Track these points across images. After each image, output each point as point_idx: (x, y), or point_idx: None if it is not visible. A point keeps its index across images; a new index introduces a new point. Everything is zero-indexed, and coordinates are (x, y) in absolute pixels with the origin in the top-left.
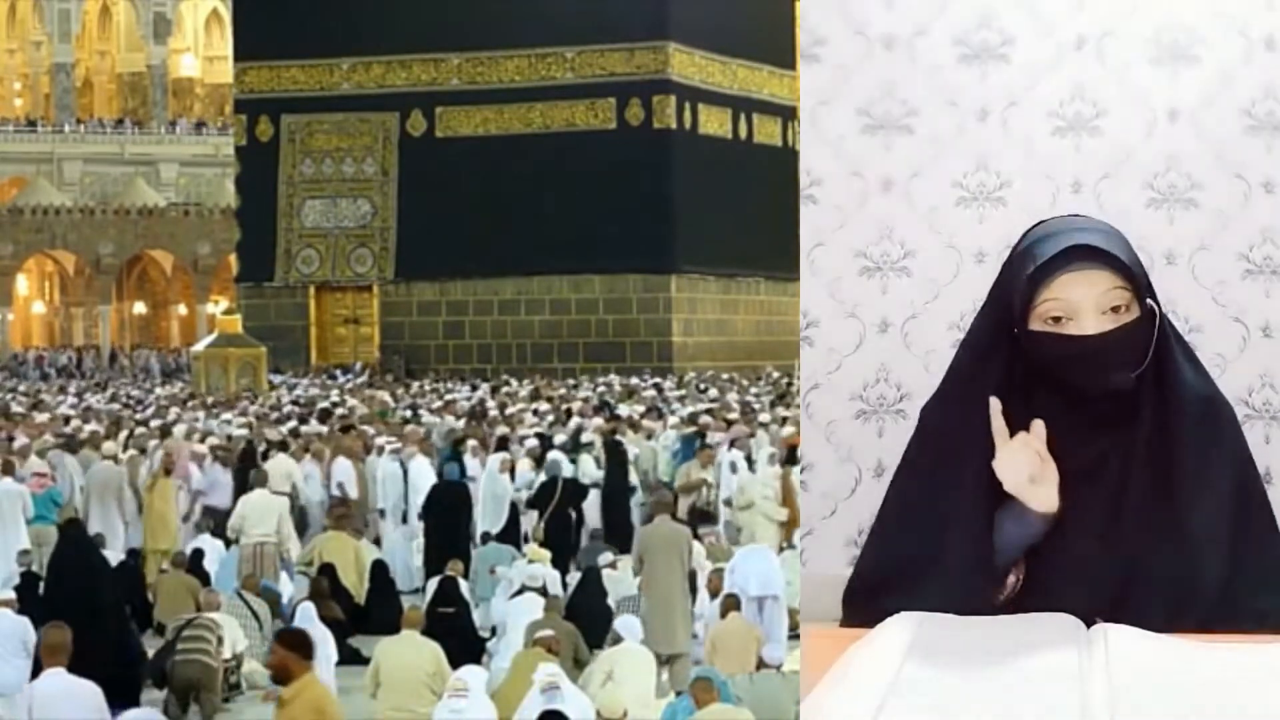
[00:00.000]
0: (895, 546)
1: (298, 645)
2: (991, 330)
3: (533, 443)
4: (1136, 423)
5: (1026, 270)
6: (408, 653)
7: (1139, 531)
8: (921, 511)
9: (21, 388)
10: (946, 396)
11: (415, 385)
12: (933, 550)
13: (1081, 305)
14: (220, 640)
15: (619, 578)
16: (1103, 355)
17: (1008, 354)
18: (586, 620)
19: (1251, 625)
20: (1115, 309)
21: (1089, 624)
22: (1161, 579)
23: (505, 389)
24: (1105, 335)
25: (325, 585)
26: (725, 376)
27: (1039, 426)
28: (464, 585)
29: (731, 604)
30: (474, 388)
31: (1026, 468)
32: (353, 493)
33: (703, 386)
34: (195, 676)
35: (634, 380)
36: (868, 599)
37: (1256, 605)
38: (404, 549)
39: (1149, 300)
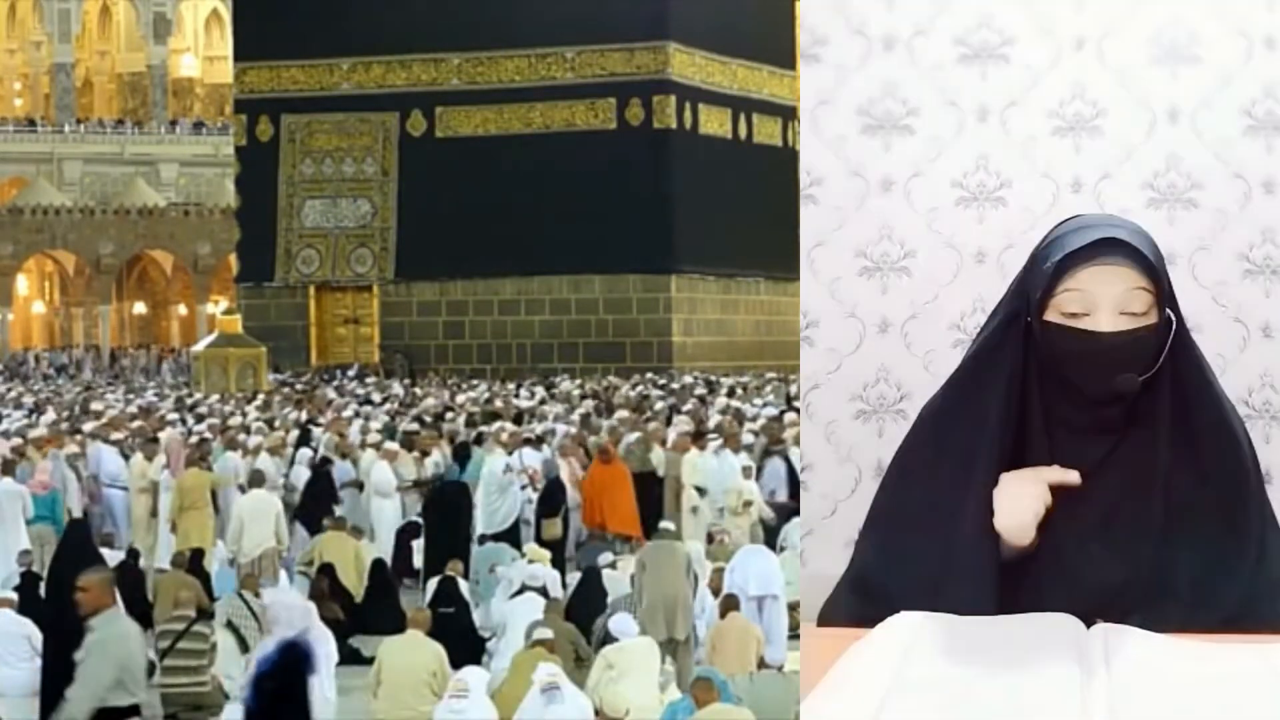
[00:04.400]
0: (897, 549)
1: None
2: (1007, 323)
3: (749, 438)
4: (1150, 436)
5: (1054, 258)
6: (409, 653)
7: (1136, 540)
8: (924, 511)
9: (42, 388)
10: (955, 385)
11: (462, 386)
12: (940, 553)
13: (1100, 300)
14: (214, 647)
15: (619, 578)
16: (1113, 354)
17: (1022, 346)
18: (586, 620)
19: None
20: (1133, 312)
21: (1088, 624)
22: (1159, 588)
23: (558, 389)
24: (1118, 335)
25: (325, 585)
26: (769, 376)
27: (1071, 475)
28: (464, 585)
29: (731, 604)
30: (517, 386)
31: (1032, 512)
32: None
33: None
34: (186, 700)
35: (687, 379)
36: (864, 602)
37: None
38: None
39: (1169, 310)
